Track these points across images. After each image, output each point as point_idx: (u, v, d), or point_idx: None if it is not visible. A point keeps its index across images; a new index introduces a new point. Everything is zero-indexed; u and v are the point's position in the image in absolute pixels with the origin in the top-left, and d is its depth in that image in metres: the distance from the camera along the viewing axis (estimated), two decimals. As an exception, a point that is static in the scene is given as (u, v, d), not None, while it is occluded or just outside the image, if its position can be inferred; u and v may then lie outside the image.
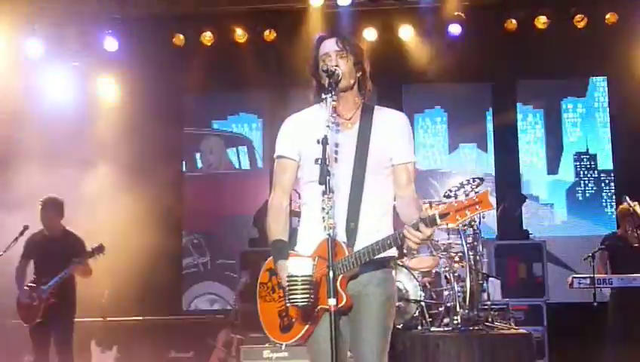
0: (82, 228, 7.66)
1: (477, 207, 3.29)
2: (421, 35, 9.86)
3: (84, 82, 10.39)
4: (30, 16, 9.63)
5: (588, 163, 10.88)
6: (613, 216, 9.60)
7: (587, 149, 10.91)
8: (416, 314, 7.42)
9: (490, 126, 11.01)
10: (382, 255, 3.55)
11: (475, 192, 3.43)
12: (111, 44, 9.79)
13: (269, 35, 9.81)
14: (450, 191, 8.14)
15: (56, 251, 7.26)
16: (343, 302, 3.47)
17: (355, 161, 3.65)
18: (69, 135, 9.84)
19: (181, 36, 9.86)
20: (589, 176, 10.83)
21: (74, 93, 10.34)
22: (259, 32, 9.83)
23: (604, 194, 10.76)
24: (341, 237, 3.55)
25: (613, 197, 10.58)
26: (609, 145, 10.83)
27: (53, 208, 7.41)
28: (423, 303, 7.43)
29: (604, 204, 10.74)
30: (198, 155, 11.33)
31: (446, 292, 7.73)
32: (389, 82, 9.99)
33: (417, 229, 3.35)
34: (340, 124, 3.71)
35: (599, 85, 10.94)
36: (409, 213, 3.56)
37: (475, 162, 10.92)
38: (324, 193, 3.32)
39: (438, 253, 7.73)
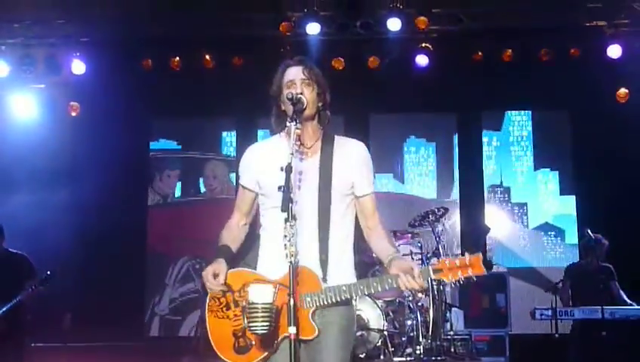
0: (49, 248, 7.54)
1: (469, 270, 3.39)
2: (388, 65, 9.93)
3: (50, 104, 10.27)
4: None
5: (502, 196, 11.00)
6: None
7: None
8: (379, 343, 7.42)
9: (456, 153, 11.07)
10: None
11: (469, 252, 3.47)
12: (78, 67, 9.74)
13: (238, 60, 9.83)
14: (415, 220, 8.22)
15: (2, 274, 7.13)
16: (315, 334, 3.46)
17: (320, 190, 3.63)
18: (31, 155, 9.73)
19: (149, 60, 9.84)
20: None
21: (39, 114, 10.24)
22: (227, 59, 9.85)
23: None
24: (314, 269, 3.53)
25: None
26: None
27: None
28: (385, 332, 7.42)
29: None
30: (201, 180, 11.22)
31: (409, 322, 7.76)
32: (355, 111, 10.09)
33: (412, 277, 3.38)
34: (302, 153, 3.70)
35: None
36: (384, 247, 3.64)
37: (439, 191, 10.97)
38: (286, 220, 3.32)
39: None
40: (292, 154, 3.44)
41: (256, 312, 3.33)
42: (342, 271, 3.60)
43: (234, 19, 9.72)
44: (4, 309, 6.93)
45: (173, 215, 11.13)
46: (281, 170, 3.37)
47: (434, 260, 3.35)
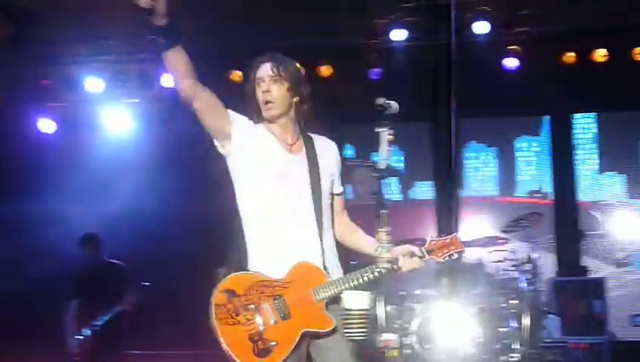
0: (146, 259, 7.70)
1: (451, 247, 3.66)
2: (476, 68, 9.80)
3: (144, 118, 10.54)
4: (91, 53, 9.95)
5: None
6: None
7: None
8: (472, 350, 7.31)
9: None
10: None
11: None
12: (168, 80, 9.95)
13: (326, 70, 9.86)
14: (508, 225, 8.08)
15: (100, 286, 7.32)
16: (333, 325, 3.52)
17: (312, 188, 3.70)
18: (127, 168, 9.98)
19: (239, 73, 9.96)
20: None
21: (134, 128, 10.53)
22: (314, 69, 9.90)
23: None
24: (317, 262, 3.59)
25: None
26: None
27: (92, 243, 7.53)
28: (479, 340, 7.31)
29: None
30: (350, 187, 11.12)
31: (503, 329, 7.61)
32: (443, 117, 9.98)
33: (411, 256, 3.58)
34: (286, 150, 3.74)
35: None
36: (364, 238, 3.84)
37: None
38: (382, 226, 3.36)
39: (496, 290, 7.61)
40: (385, 159, 3.51)
41: (353, 319, 3.36)
42: (335, 264, 3.73)
43: (319, 28, 9.78)
44: (104, 319, 7.15)
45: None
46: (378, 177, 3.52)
47: (427, 242, 3.61)
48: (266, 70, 3.73)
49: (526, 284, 7.55)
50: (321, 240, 3.65)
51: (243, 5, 9.12)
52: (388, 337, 3.25)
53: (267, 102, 3.68)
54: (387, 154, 3.52)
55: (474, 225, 9.98)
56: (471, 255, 8.38)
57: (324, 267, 3.60)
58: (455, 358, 7.25)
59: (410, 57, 9.75)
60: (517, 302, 7.62)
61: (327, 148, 3.87)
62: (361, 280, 3.54)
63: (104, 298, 7.23)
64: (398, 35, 9.41)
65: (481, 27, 9.29)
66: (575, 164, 10.61)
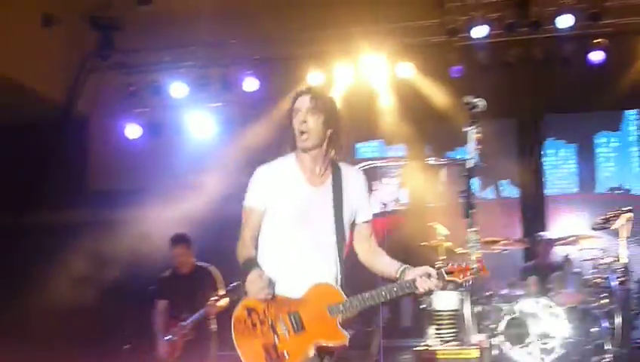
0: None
1: (472, 271, 3.63)
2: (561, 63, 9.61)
3: (226, 122, 10.69)
4: (174, 60, 10.18)
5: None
6: None
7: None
8: (563, 352, 7.16)
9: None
10: None
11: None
12: (251, 84, 10.10)
13: (405, 69, 9.84)
14: (598, 224, 7.87)
15: (189, 288, 7.42)
16: (346, 341, 3.67)
17: (335, 215, 3.83)
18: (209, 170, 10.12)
19: (318, 74, 10.02)
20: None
21: (217, 132, 10.69)
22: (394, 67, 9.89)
23: None
24: (334, 283, 3.78)
25: None
26: None
27: (182, 244, 7.62)
28: (569, 341, 7.17)
29: None
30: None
31: (594, 329, 7.43)
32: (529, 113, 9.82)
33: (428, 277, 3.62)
34: (313, 181, 3.87)
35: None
36: (389, 262, 3.89)
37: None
38: (469, 226, 3.35)
39: (586, 289, 7.44)
40: (470, 159, 3.46)
41: (443, 320, 3.35)
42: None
43: (398, 27, 9.77)
44: (192, 319, 7.26)
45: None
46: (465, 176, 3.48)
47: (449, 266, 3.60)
48: (304, 102, 3.84)
49: (617, 283, 7.35)
50: (340, 264, 3.83)
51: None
52: (479, 337, 3.19)
53: (302, 133, 3.79)
54: (475, 152, 3.47)
55: (562, 222, 9.78)
56: (559, 253, 8.23)
57: (343, 289, 3.76)
58: (544, 359, 7.13)
59: (491, 54, 9.64)
60: (608, 301, 7.43)
61: (353, 178, 3.97)
62: (377, 300, 3.69)
63: (192, 299, 7.33)
64: (479, 31, 9.29)
65: (564, 20, 9.09)
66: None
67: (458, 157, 10.30)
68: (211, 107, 10.64)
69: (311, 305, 3.69)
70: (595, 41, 9.37)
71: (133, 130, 10.65)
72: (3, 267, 9.93)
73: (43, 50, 10.00)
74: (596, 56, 9.42)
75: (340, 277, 3.82)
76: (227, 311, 7.49)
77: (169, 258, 7.72)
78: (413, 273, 3.67)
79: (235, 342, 3.77)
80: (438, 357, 5.87)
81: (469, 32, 9.37)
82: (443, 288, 3.67)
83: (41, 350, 9.05)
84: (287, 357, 3.66)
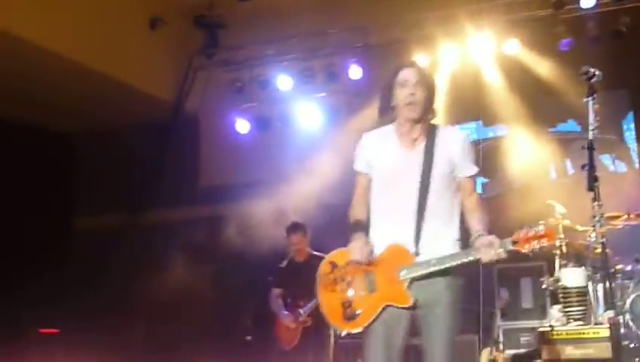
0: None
1: (543, 240, 3.67)
2: None
3: (332, 112, 10.73)
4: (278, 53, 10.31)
5: None
6: None
7: None
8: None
9: None
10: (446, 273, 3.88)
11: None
12: (355, 72, 10.10)
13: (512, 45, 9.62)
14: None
15: (305, 276, 7.46)
16: (411, 302, 3.84)
17: (422, 175, 3.95)
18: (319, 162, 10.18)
19: (423, 56, 9.92)
20: None
21: (324, 123, 10.75)
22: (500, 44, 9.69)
23: None
24: (409, 245, 3.90)
25: None
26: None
27: (299, 233, 7.70)
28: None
29: None
30: (568, 161, 10.88)
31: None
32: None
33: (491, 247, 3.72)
34: (407, 144, 4.03)
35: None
36: (473, 226, 3.96)
37: None
38: (594, 200, 3.27)
39: None
40: (593, 130, 3.40)
41: (571, 297, 3.29)
42: (437, 247, 3.90)
43: (502, 3, 9.58)
44: (309, 306, 7.34)
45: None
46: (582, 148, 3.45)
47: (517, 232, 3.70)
48: (410, 74, 4.01)
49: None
50: (420, 227, 3.92)
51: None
52: (609, 315, 3.10)
53: (411, 104, 3.95)
54: (595, 123, 3.38)
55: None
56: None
57: (418, 250, 3.89)
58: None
59: (600, 24, 9.31)
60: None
61: (450, 137, 4.07)
62: (442, 266, 3.82)
63: (309, 287, 7.38)
64: (587, 1, 9.00)
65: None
66: None
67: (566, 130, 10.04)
68: (317, 97, 10.69)
69: (383, 266, 3.92)
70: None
71: (242, 125, 10.83)
72: (120, 266, 10.31)
73: (151, 51, 10.34)
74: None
75: (419, 236, 3.91)
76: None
77: (284, 248, 7.83)
78: (479, 242, 3.78)
79: (318, 293, 4.19)
80: (564, 337, 5.73)
81: (577, 3, 9.09)
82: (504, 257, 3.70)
83: (165, 345, 9.38)
84: (359, 314, 3.94)
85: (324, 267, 4.19)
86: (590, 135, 3.30)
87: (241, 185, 10.35)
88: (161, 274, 9.52)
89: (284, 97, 10.67)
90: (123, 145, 10.94)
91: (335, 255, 4.18)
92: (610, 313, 3.16)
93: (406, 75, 3.99)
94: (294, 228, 7.75)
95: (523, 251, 3.71)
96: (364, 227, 4.04)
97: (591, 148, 3.26)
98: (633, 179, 9.71)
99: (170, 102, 11.03)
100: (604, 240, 3.34)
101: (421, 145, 4.01)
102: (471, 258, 3.78)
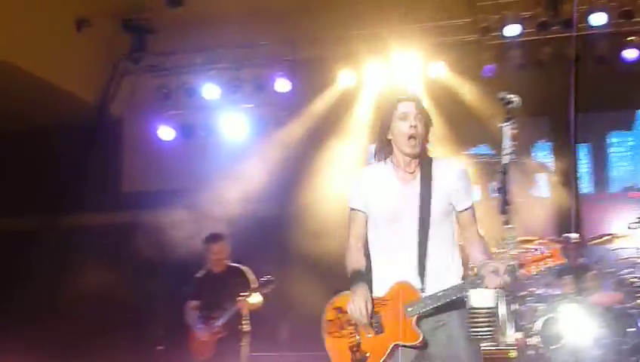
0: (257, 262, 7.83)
1: (549, 260, 3.65)
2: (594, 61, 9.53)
3: (259, 123, 10.73)
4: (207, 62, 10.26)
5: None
6: None
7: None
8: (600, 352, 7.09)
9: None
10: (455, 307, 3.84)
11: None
12: (283, 85, 10.13)
13: (438, 68, 9.82)
14: (635, 223, 7.78)
15: (222, 288, 7.41)
16: (419, 341, 3.75)
17: (421, 210, 3.88)
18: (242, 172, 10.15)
19: (349, 74, 10.04)
20: None
21: (249, 133, 10.73)
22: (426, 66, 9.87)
23: None
24: (413, 281, 3.83)
25: None
26: None
27: (218, 243, 7.63)
28: (604, 341, 7.09)
29: None
30: (493, 184, 10.75)
31: (631, 329, 7.35)
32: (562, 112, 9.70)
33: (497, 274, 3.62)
34: (404, 178, 3.97)
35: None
36: (475, 257, 3.90)
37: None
38: (505, 223, 3.39)
39: (621, 289, 7.35)
40: (508, 154, 3.48)
41: (478, 317, 3.35)
42: (442, 280, 3.83)
43: (430, 26, 9.76)
44: (224, 317, 7.29)
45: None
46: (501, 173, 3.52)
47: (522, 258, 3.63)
48: (410, 107, 3.94)
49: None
50: (423, 263, 3.85)
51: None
52: (518, 336, 3.18)
53: (413, 138, 3.89)
54: (511, 148, 3.46)
55: (596, 221, 9.66)
56: (595, 253, 8.15)
57: (423, 286, 3.82)
58: (581, 360, 7.05)
59: (524, 52, 9.58)
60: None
61: (446, 170, 3.98)
62: (449, 299, 3.75)
63: (225, 299, 7.34)
64: (512, 30, 9.25)
65: (597, 18, 9.02)
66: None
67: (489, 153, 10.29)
68: (244, 108, 10.67)
69: (390, 305, 3.84)
70: (628, 38, 9.29)
71: (166, 132, 10.72)
72: (37, 269, 10.07)
73: (77, 52, 10.16)
74: (630, 54, 9.33)
75: (424, 271, 3.84)
76: (260, 312, 7.56)
77: (202, 258, 7.76)
78: (485, 269, 3.69)
79: (325, 341, 4.05)
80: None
81: (501, 31, 9.33)
82: (514, 283, 3.71)
83: (76, 351, 9.17)
84: (368, 356, 3.84)
85: (329, 313, 4.06)
86: (505, 159, 3.37)
87: (163, 193, 10.25)
88: (78, 279, 9.33)
89: (210, 106, 10.62)
90: (46, 145, 10.69)
91: (339, 300, 4.03)
92: (518, 335, 3.21)
93: (406, 107, 3.93)
94: (214, 238, 7.68)
95: (531, 274, 3.68)
96: (363, 277, 3.93)
97: (505, 172, 3.33)
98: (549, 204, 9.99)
99: (95, 104, 10.84)
100: (514, 263, 3.40)
101: (417, 178, 3.95)
102: (476, 286, 3.72)
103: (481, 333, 3.33)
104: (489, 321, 3.31)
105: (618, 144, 10.59)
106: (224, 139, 10.75)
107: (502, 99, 3.57)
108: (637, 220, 7.75)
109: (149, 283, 9.63)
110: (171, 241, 9.19)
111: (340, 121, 10.57)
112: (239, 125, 10.71)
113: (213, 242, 7.64)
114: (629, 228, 7.79)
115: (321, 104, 10.37)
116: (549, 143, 10.22)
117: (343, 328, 3.95)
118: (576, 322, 7.11)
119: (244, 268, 7.64)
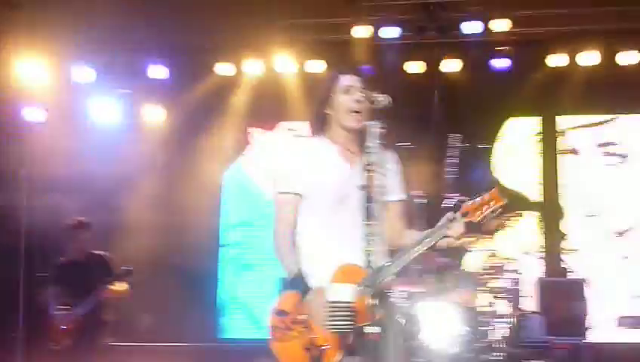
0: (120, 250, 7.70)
1: (490, 203, 3.55)
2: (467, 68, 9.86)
3: (132, 108, 10.55)
4: (80, 43, 9.92)
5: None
6: None
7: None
8: (458, 349, 7.33)
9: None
10: None
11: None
12: (159, 71, 9.96)
13: (315, 65, 9.90)
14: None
15: (83, 275, 7.28)
16: (377, 317, 3.48)
17: (363, 194, 3.61)
18: (114, 158, 9.95)
19: (227, 65, 10.00)
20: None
21: (121, 119, 10.52)
22: (305, 63, 9.94)
23: None
24: (360, 261, 3.51)
25: None
26: None
27: (82, 230, 7.49)
28: (461, 339, 7.34)
29: None
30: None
31: (487, 328, 7.64)
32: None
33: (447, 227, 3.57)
34: (351, 160, 3.81)
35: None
36: (416, 233, 3.79)
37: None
38: (365, 220, 3.39)
39: (479, 288, 7.62)
40: (371, 153, 3.51)
41: (337, 311, 3.39)
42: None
43: (309, 23, 9.83)
44: (84, 305, 7.12)
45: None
46: (365, 170, 3.50)
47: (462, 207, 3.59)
48: (354, 80, 3.80)
49: (508, 284, 7.57)
50: (370, 247, 3.49)
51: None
52: (372, 329, 3.22)
53: (356, 112, 3.73)
54: (376, 147, 3.52)
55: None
56: (454, 254, 8.42)
57: (371, 264, 3.50)
58: (438, 356, 7.27)
59: (400, 55, 9.80)
60: (501, 301, 7.66)
61: (384, 159, 3.83)
62: (402, 265, 3.60)
63: (86, 287, 7.19)
64: (389, 32, 9.44)
65: (471, 27, 9.33)
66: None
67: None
68: (117, 93, 10.42)
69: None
70: (500, 48, 9.66)
71: (37, 114, 10.28)
72: None
73: None
74: (500, 63, 9.71)
75: (372, 255, 3.49)
76: (120, 301, 7.44)
77: (64, 244, 7.57)
78: (442, 220, 3.61)
79: (275, 350, 3.67)
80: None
81: (379, 32, 9.49)
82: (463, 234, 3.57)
83: None
84: (328, 349, 3.53)
85: (272, 320, 3.68)
86: (370, 158, 3.43)
87: (28, 176, 9.87)
88: None
89: (82, 89, 10.28)
90: None
91: (281, 302, 3.71)
92: (377, 329, 3.29)
93: (351, 81, 3.78)
94: (78, 225, 7.51)
95: (476, 221, 3.57)
96: (305, 280, 3.64)
97: (369, 170, 3.39)
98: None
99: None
100: (371, 258, 3.43)
101: (358, 161, 3.73)
102: (428, 244, 3.59)
103: (339, 326, 3.34)
104: (347, 315, 3.31)
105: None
106: (95, 123, 10.46)
107: (369, 98, 3.63)
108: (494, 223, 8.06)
109: (6, 269, 9.25)
110: (31, 226, 8.90)
111: (215, 110, 10.53)
112: (111, 110, 10.46)
113: (75, 228, 7.48)
114: (484, 231, 8.08)
115: (197, 92, 10.28)
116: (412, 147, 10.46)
117: (290, 330, 3.62)
118: (434, 320, 7.33)
119: (105, 255, 7.51)
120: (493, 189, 3.59)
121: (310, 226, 3.77)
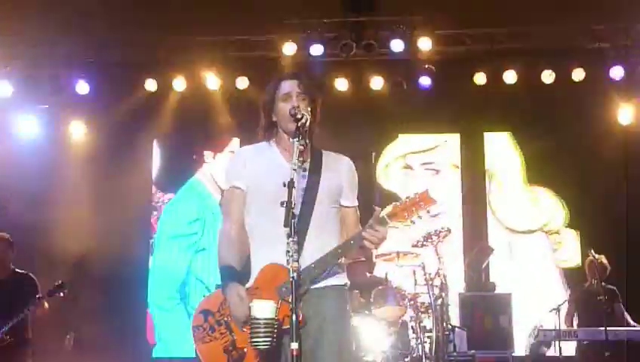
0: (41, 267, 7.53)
1: (420, 204, 3.58)
2: (392, 86, 9.98)
3: (53, 124, 10.36)
4: (1, 57, 9.68)
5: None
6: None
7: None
8: (382, 364, 7.36)
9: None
10: (333, 282, 3.68)
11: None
12: (82, 87, 9.81)
13: (242, 82, 9.89)
14: (418, 241, 8.16)
15: (7, 294, 7.09)
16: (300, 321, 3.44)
17: (304, 197, 3.68)
18: (33, 175, 9.73)
19: (153, 82, 9.91)
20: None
21: (42, 135, 10.31)
22: (232, 80, 9.92)
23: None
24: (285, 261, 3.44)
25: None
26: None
27: (2, 246, 7.26)
28: (388, 353, 7.38)
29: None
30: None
31: (412, 342, 7.71)
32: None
33: (374, 229, 3.53)
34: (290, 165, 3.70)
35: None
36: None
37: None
38: (288, 236, 3.37)
39: (405, 303, 7.68)
40: (295, 170, 3.50)
41: (259, 327, 3.38)
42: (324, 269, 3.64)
43: (236, 40, 9.82)
44: (10, 324, 6.90)
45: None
46: (284, 185, 3.42)
47: (388, 207, 3.62)
48: (292, 86, 3.79)
49: (435, 298, 7.64)
50: (302, 248, 3.51)
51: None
52: (294, 346, 3.21)
53: (294, 116, 3.66)
54: (297, 163, 3.53)
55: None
56: (379, 269, 8.49)
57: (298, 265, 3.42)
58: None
59: (326, 73, 9.87)
60: (425, 315, 7.73)
61: (338, 164, 3.88)
62: (323, 268, 3.60)
63: (10, 305, 6.96)
64: (315, 50, 9.50)
65: (396, 45, 9.47)
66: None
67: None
68: (38, 108, 10.20)
69: (261, 292, 3.54)
70: (425, 66, 9.80)
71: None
72: None
73: None
74: (425, 81, 9.86)
75: (303, 252, 3.49)
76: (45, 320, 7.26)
77: None
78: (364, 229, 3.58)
79: (196, 350, 3.70)
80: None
81: (306, 49, 9.54)
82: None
83: None
84: (247, 352, 3.55)
85: (196, 319, 3.72)
86: (292, 174, 3.43)
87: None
88: None
89: (1, 104, 10.03)
90: None
91: (205, 302, 3.78)
92: (295, 345, 3.28)
93: (289, 87, 3.78)
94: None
95: (403, 221, 3.57)
96: (234, 274, 3.64)
97: (291, 186, 3.39)
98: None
99: None
100: (294, 275, 3.42)
101: (305, 166, 3.72)
102: (352, 247, 3.60)
103: (261, 343, 3.32)
104: (268, 331, 3.30)
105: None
106: (15, 138, 10.22)
107: (292, 115, 3.64)
108: (421, 238, 8.15)
109: None
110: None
111: (140, 128, 10.43)
112: (33, 125, 10.24)
113: None
114: (413, 246, 8.17)
115: (122, 108, 10.15)
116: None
117: (213, 330, 3.66)
118: (361, 335, 7.35)
119: (30, 274, 7.31)
120: (423, 191, 3.62)
121: (250, 223, 3.79)
